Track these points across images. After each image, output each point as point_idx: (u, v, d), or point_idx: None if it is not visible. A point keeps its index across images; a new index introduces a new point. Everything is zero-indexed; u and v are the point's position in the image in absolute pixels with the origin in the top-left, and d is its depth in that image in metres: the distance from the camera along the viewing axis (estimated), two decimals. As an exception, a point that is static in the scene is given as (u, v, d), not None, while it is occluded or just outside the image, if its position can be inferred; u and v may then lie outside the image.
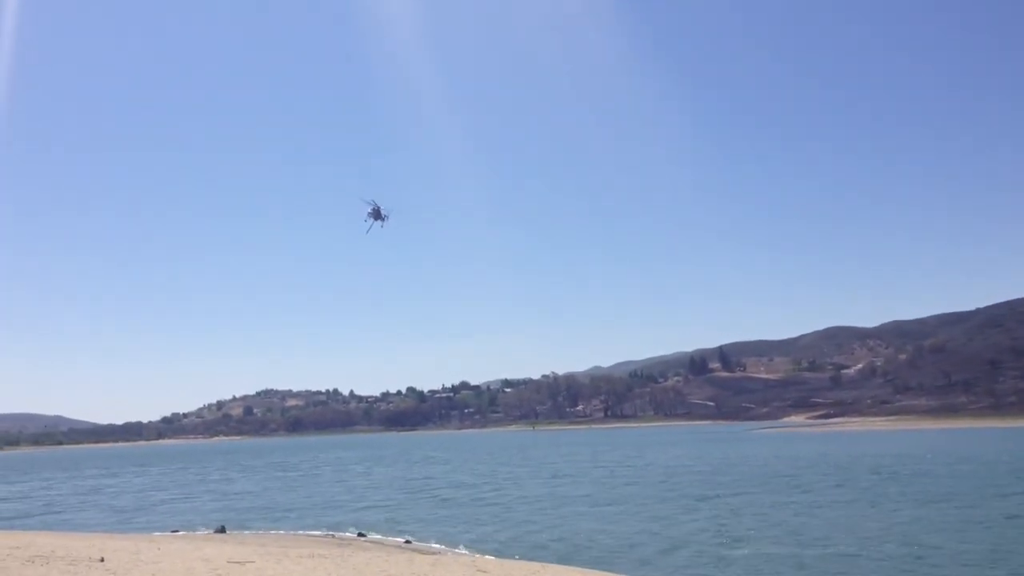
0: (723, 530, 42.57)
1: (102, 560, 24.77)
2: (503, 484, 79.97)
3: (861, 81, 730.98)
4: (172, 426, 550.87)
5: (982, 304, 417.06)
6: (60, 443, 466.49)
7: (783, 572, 32.29)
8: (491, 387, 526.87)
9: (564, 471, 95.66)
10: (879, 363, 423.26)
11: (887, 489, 61.12)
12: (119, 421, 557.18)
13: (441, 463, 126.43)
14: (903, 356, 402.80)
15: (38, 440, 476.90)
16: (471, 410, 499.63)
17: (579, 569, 30.06)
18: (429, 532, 45.87)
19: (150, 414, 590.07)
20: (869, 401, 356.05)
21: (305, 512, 60.06)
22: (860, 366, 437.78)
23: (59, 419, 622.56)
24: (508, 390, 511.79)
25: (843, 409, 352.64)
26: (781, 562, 33.89)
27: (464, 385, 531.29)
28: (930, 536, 39.26)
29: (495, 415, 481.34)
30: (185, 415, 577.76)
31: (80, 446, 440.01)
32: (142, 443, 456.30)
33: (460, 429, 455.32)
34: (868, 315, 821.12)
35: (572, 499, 61.66)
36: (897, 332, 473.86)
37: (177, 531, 48.80)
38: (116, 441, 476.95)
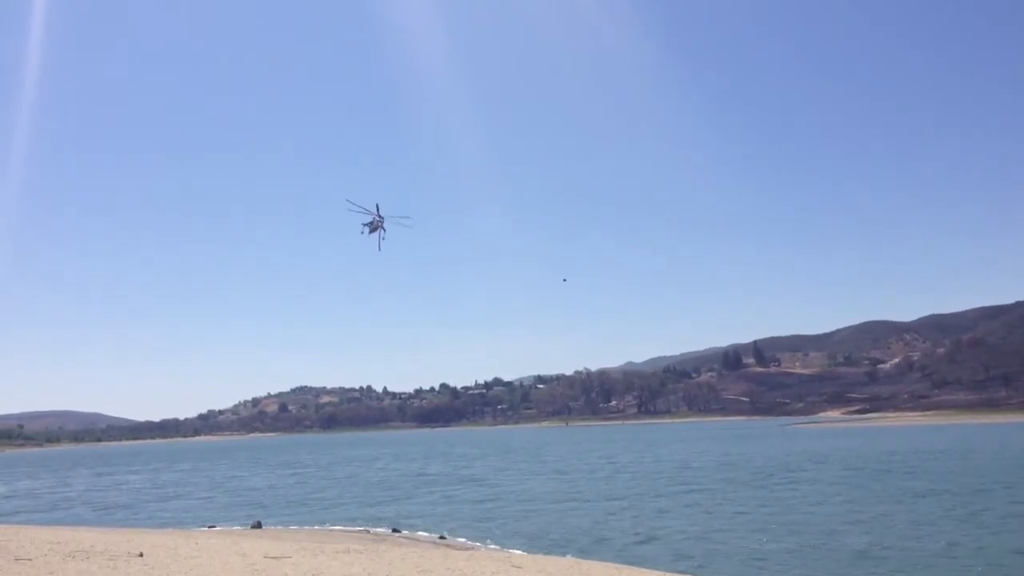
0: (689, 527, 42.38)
1: (141, 555, 24.98)
2: (505, 480, 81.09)
3: (894, 76, 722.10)
4: (208, 423, 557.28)
5: (1022, 297, 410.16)
6: (99, 440, 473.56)
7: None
8: (524, 383, 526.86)
9: (568, 468, 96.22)
10: (916, 357, 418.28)
11: (861, 485, 61.70)
12: (156, 418, 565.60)
13: (459, 459, 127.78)
14: (941, 350, 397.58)
15: (78, 437, 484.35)
16: (504, 406, 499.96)
17: (614, 565, 29.90)
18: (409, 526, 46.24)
19: (187, 411, 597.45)
20: (906, 396, 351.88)
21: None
22: (897, 360, 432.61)
23: (98, 416, 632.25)
24: (541, 386, 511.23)
25: (879, 404, 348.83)
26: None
27: (497, 381, 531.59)
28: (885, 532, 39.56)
29: (528, 411, 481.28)
30: (221, 412, 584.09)
31: (118, 443, 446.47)
32: (179, 439, 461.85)
33: (493, 425, 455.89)
34: (905, 309, 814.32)
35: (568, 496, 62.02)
36: (935, 326, 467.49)
37: (214, 526, 49.22)
38: (153, 438, 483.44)
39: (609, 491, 64.25)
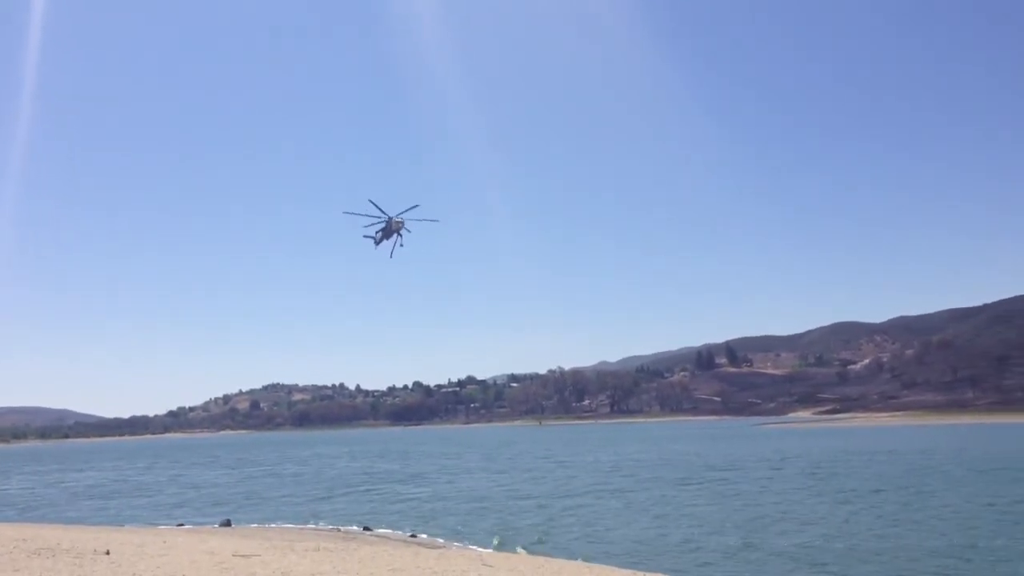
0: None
1: (107, 553, 24.70)
2: (442, 478, 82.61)
3: (868, 78, 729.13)
4: (179, 420, 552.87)
5: (990, 300, 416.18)
6: (66, 436, 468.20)
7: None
8: (497, 382, 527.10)
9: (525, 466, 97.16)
10: (886, 359, 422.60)
11: (804, 485, 62.68)
12: (126, 415, 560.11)
13: (415, 457, 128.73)
14: (910, 352, 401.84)
15: (44, 434, 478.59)
16: (477, 405, 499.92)
17: (585, 563, 29.94)
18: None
19: (157, 408, 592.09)
20: (876, 396, 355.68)
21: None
22: (867, 361, 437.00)
23: (66, 412, 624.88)
24: (514, 385, 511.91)
25: (849, 404, 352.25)
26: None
27: (470, 380, 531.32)
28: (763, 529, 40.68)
29: (501, 410, 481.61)
30: (191, 409, 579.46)
31: (86, 440, 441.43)
32: (148, 437, 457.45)
33: (466, 424, 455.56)
34: (875, 311, 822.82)
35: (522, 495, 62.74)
36: (904, 328, 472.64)
37: (182, 524, 48.82)
38: (122, 435, 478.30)
39: (538, 491, 65.22)
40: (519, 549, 36.36)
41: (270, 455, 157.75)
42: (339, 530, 45.01)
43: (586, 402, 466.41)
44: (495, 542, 39.39)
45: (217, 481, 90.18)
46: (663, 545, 37.67)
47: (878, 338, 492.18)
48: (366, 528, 45.45)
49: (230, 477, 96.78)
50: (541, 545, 38.18)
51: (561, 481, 73.84)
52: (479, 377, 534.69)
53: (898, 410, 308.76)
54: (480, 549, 36.48)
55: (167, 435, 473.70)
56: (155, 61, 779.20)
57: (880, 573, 30.79)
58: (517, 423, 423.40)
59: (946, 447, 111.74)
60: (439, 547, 36.62)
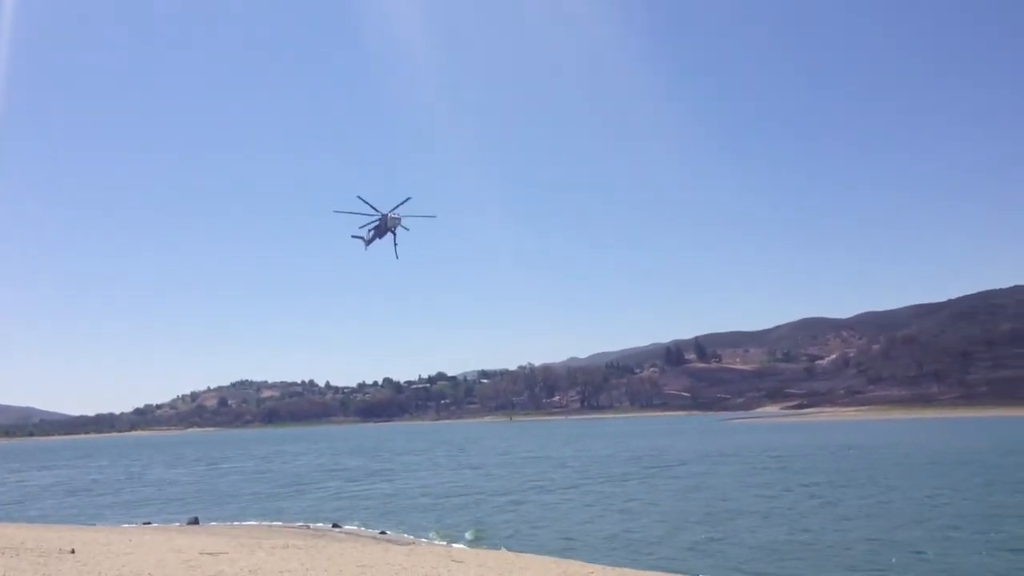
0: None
1: (72, 552, 24.52)
2: (405, 474, 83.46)
3: (838, 74, 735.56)
4: (145, 417, 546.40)
5: (954, 295, 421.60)
6: (31, 435, 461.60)
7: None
8: (468, 378, 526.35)
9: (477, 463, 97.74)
10: (852, 354, 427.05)
11: (747, 480, 63.98)
12: (91, 413, 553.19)
13: (382, 454, 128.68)
14: (876, 347, 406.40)
15: (8, 432, 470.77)
16: (447, 401, 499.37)
17: (553, 559, 30.11)
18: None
19: (123, 406, 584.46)
20: (842, 391, 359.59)
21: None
22: (834, 357, 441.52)
23: (31, 411, 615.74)
24: (485, 381, 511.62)
25: (816, 399, 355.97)
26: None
27: (441, 376, 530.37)
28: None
29: (472, 406, 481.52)
30: (159, 407, 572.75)
31: (51, 438, 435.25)
32: (114, 434, 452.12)
33: (437, 420, 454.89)
34: (842, 306, 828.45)
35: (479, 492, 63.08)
36: (870, 323, 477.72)
37: (149, 522, 48.40)
38: (88, 433, 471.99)
39: (497, 487, 65.74)
40: (484, 545, 36.48)
41: (237, 452, 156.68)
42: (308, 527, 44.87)
43: (556, 398, 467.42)
44: (469, 536, 39.52)
45: (183, 479, 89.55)
46: (627, 539, 37.93)
47: (844, 333, 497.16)
48: (335, 525, 45.33)
49: (197, 475, 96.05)
50: (506, 540, 38.30)
51: (526, 477, 74.15)
52: (449, 373, 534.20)
53: (864, 405, 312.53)
54: (449, 545, 36.56)
55: (133, 433, 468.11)
56: (149, 69, 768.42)
57: (827, 564, 31.20)
58: (488, 419, 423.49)
59: (907, 441, 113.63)
60: (408, 543, 36.62)
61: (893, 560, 31.26)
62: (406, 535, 41.21)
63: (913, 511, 43.84)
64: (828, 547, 34.25)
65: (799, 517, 43.02)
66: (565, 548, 35.27)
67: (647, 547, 35.70)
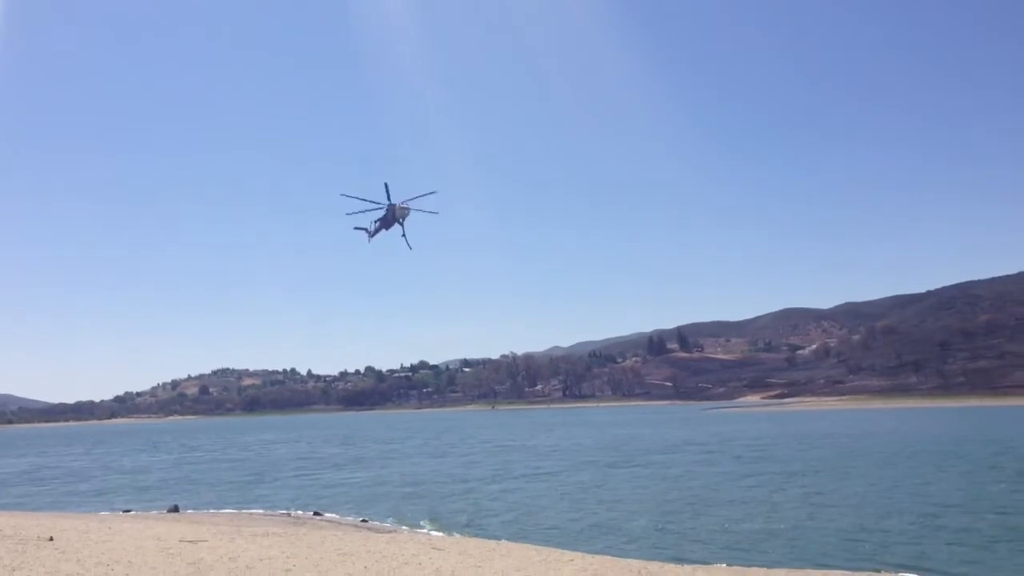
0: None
1: (51, 539, 24.41)
2: (376, 463, 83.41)
3: (818, 67, 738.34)
4: (125, 405, 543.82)
5: (933, 287, 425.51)
6: (10, 422, 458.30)
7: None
8: (450, 367, 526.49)
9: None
10: (833, 344, 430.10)
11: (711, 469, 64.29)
12: (71, 400, 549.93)
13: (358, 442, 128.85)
14: (856, 337, 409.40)
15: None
16: (430, 390, 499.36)
17: (533, 546, 30.25)
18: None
19: (103, 393, 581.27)
20: (823, 381, 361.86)
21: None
22: (814, 347, 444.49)
23: (8, 398, 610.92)
24: (467, 370, 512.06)
25: (797, 389, 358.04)
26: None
27: (423, 365, 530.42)
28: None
29: (454, 395, 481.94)
30: (139, 394, 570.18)
31: (29, 425, 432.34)
32: (94, 422, 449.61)
33: (419, 408, 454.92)
34: (823, 297, 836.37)
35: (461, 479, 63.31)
36: (851, 313, 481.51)
37: (129, 510, 48.18)
38: (67, 420, 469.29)
39: (478, 475, 66.02)
40: (464, 532, 36.61)
41: (218, 440, 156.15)
42: (289, 515, 44.82)
43: (539, 387, 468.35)
44: (449, 524, 39.62)
45: (162, 467, 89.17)
46: (606, 527, 38.11)
47: (825, 324, 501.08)
48: (316, 513, 45.33)
49: (176, 463, 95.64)
50: (486, 528, 38.45)
51: (504, 465, 74.59)
52: (432, 362, 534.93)
53: (844, 394, 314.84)
54: (430, 533, 36.66)
55: (113, 420, 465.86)
56: (143, 67, 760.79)
57: (802, 551, 31.46)
58: (470, 408, 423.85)
59: (885, 430, 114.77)
60: (389, 531, 36.70)
61: (867, 547, 31.60)
62: (387, 523, 41.26)
63: (888, 499, 44.26)
64: (803, 534, 34.54)
65: (775, 504, 43.32)
66: (546, 536, 35.42)
67: (626, 535, 35.91)
